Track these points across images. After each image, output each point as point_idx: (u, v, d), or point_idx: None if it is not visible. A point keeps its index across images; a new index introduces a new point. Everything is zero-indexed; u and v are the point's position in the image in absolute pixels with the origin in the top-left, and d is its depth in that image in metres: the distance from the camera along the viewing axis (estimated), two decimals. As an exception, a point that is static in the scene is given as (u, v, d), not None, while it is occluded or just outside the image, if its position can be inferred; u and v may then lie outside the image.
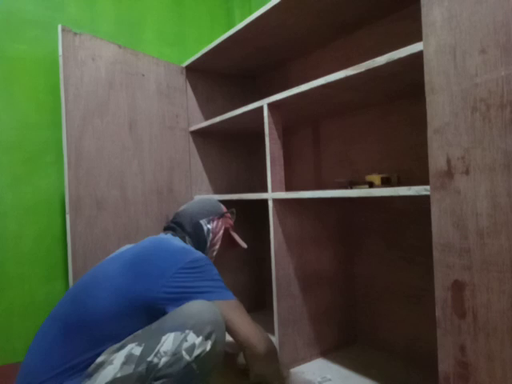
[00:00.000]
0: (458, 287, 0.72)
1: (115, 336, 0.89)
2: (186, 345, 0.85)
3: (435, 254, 0.76)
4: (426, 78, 0.76)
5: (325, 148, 1.59)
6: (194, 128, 1.71)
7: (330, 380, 1.19)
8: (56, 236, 1.66)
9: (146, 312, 0.92)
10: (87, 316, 0.91)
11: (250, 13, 2.10)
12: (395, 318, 1.35)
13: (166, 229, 1.22)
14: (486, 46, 0.67)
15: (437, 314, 0.76)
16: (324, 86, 1.07)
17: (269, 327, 1.66)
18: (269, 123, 1.25)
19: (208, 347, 0.87)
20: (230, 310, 0.98)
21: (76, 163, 1.39)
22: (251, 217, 1.93)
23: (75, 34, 1.40)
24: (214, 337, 0.88)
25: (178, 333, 0.86)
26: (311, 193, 1.10)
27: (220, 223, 1.24)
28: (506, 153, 0.65)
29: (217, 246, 1.22)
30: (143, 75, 1.60)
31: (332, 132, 1.56)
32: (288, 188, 1.80)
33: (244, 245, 1.30)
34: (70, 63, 1.39)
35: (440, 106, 0.74)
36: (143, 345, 0.85)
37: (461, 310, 0.72)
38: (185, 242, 1.17)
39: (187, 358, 0.85)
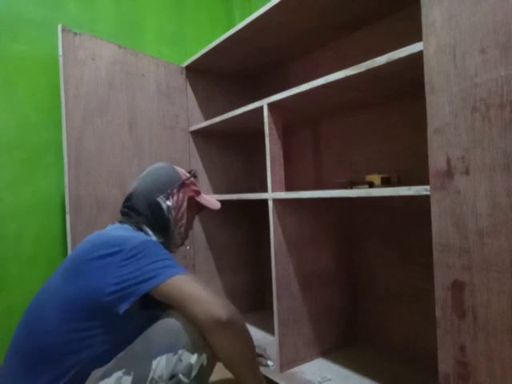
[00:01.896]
0: (457, 287, 0.72)
1: (77, 352, 0.80)
2: (181, 366, 0.79)
3: (435, 254, 0.76)
4: (426, 77, 0.76)
5: (325, 148, 1.59)
6: (194, 128, 1.70)
7: (329, 380, 1.19)
8: (56, 236, 1.66)
9: (99, 317, 0.82)
10: (43, 338, 0.81)
11: (250, 13, 2.10)
12: (395, 318, 1.35)
13: (122, 214, 1.06)
14: (486, 45, 0.67)
15: (437, 314, 0.76)
16: (324, 86, 1.07)
17: (269, 327, 1.67)
18: (269, 123, 1.25)
19: (205, 361, 0.82)
20: (182, 285, 0.82)
21: (76, 163, 1.39)
22: (251, 217, 1.93)
23: (75, 33, 1.40)
24: (208, 348, 0.82)
25: (170, 354, 0.79)
26: (311, 193, 1.10)
27: (181, 195, 1.06)
28: (505, 153, 0.65)
29: (183, 221, 1.06)
30: (143, 75, 1.60)
31: (332, 132, 1.56)
32: (288, 188, 1.80)
33: (216, 205, 1.14)
34: (70, 63, 1.39)
35: (440, 105, 0.74)
36: (132, 373, 0.77)
37: (461, 310, 0.72)
38: (141, 229, 1.00)
39: (186, 380, 0.78)
